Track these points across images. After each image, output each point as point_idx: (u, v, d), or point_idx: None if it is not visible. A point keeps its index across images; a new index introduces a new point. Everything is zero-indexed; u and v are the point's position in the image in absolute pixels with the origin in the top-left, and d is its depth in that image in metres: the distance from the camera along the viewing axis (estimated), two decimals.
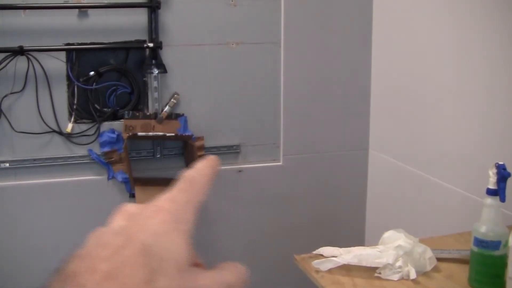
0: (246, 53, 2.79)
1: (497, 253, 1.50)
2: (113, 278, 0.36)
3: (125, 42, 2.65)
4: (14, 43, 2.50)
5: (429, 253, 1.66)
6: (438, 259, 1.69)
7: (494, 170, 1.50)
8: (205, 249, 2.90)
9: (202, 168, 0.48)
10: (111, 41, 2.63)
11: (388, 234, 1.72)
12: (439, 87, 2.39)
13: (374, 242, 1.76)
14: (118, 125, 2.69)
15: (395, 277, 1.61)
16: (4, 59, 2.50)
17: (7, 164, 2.61)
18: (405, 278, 1.61)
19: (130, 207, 0.44)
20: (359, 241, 2.99)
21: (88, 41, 2.60)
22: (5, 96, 2.55)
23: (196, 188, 0.45)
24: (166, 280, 0.38)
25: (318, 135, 2.94)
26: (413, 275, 1.60)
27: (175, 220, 0.41)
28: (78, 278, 0.37)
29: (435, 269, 1.66)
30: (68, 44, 2.58)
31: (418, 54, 2.52)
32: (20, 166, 2.63)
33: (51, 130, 2.62)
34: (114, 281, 0.36)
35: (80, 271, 0.37)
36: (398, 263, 1.62)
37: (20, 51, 2.50)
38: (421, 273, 1.63)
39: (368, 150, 2.99)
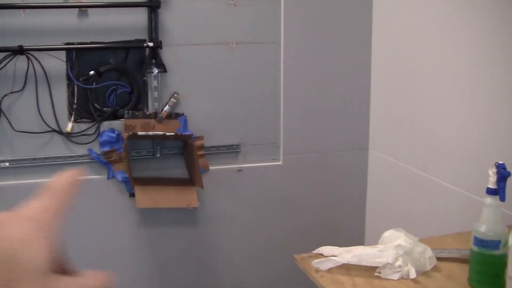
0: (246, 52, 2.79)
1: (497, 252, 1.50)
2: None
3: (125, 42, 2.65)
4: (14, 43, 2.50)
5: (429, 253, 1.66)
6: (438, 259, 1.69)
7: (494, 170, 1.50)
8: (203, 248, 2.90)
9: (61, 178, 0.48)
10: (111, 40, 2.63)
11: (388, 234, 1.72)
12: (439, 87, 2.39)
13: (374, 242, 1.76)
14: (118, 124, 2.69)
15: (395, 276, 1.61)
16: (4, 58, 2.50)
17: (7, 164, 2.61)
18: (405, 278, 1.61)
19: None
20: (359, 241, 2.99)
21: (88, 41, 2.60)
22: (5, 95, 2.55)
23: (58, 196, 0.45)
24: (29, 285, 0.38)
25: (317, 134, 2.94)
26: (413, 274, 1.60)
27: (38, 227, 0.41)
28: None
29: (435, 269, 1.66)
30: (68, 43, 2.58)
31: (418, 53, 2.52)
32: (20, 166, 2.63)
33: (51, 130, 2.62)
34: None
35: None
36: (398, 263, 1.62)
37: (20, 51, 2.50)
38: (421, 272, 1.63)
39: (368, 149, 2.99)
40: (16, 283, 0.37)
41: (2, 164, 2.61)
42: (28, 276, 0.38)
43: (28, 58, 2.53)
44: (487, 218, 1.51)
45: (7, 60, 2.51)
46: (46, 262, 0.40)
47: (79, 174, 0.49)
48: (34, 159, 2.64)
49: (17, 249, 0.39)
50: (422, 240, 1.71)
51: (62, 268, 0.45)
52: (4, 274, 0.37)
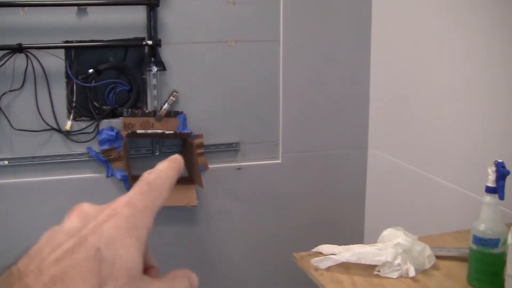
0: (245, 51, 2.79)
1: (496, 251, 1.50)
2: (60, 282, 0.35)
3: (124, 40, 2.65)
4: (13, 41, 2.50)
5: (428, 251, 1.66)
6: (437, 257, 1.69)
7: (493, 168, 1.50)
8: (203, 246, 2.90)
9: (164, 170, 0.45)
10: (110, 38, 2.62)
11: (387, 232, 1.72)
12: (438, 85, 2.39)
13: (373, 240, 1.76)
14: (117, 123, 2.69)
15: (394, 275, 1.61)
16: (3, 56, 2.50)
17: (6, 162, 2.61)
18: (404, 276, 1.61)
19: (87, 207, 0.42)
20: (358, 239, 2.99)
21: (87, 39, 2.60)
22: (4, 93, 2.54)
23: (156, 193, 0.43)
24: (116, 287, 0.37)
25: (317, 133, 2.94)
26: (412, 273, 1.60)
27: (131, 227, 0.39)
28: (25, 279, 0.36)
29: (434, 267, 1.66)
30: (67, 41, 2.58)
31: (418, 52, 2.52)
32: (19, 164, 2.63)
33: (50, 128, 2.62)
34: (61, 285, 0.35)
35: (27, 272, 0.36)
36: (397, 261, 1.62)
37: (19, 49, 2.50)
38: (420, 271, 1.63)
39: (367, 148, 2.99)
40: (104, 284, 0.36)
41: (1, 163, 2.61)
42: (117, 277, 0.37)
43: (27, 56, 2.53)
44: (486, 217, 1.51)
45: (6, 58, 2.51)
46: (136, 264, 0.39)
47: (180, 165, 0.47)
48: (33, 157, 2.64)
49: (106, 246, 0.37)
50: (421, 239, 1.71)
51: (150, 265, 0.44)
52: (90, 272, 0.36)
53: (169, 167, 0.46)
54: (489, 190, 1.50)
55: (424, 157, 2.51)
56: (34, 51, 2.53)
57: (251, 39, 2.79)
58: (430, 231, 1.99)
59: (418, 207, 2.56)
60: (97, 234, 0.38)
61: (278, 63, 2.83)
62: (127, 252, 0.38)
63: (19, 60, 2.53)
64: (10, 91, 2.55)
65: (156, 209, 0.42)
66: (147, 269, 0.44)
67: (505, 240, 1.46)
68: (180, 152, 2.82)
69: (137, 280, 0.38)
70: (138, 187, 0.43)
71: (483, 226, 1.51)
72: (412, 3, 2.55)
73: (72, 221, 0.41)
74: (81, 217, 0.41)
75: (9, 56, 2.51)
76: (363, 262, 1.65)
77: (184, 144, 2.79)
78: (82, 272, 0.36)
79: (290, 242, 2.90)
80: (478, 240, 1.51)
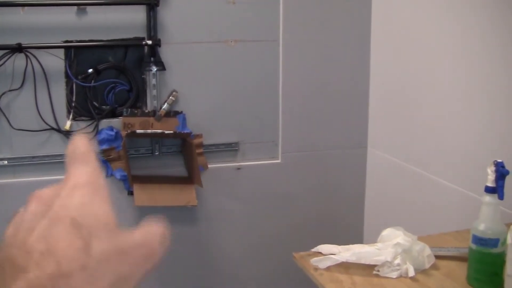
0: (245, 51, 2.79)
1: (495, 251, 1.50)
2: (51, 254, 0.38)
3: (123, 40, 2.64)
4: (12, 40, 2.50)
5: (427, 251, 1.66)
6: (437, 257, 1.69)
7: (493, 168, 1.50)
8: (203, 246, 2.90)
9: (78, 145, 0.48)
10: (110, 38, 2.62)
11: (386, 232, 1.72)
12: (438, 85, 2.40)
13: (373, 240, 1.76)
14: (116, 122, 2.69)
15: (394, 274, 1.61)
16: (3, 56, 2.50)
17: (6, 162, 2.61)
18: (403, 276, 1.61)
19: (43, 192, 0.44)
20: (358, 239, 2.99)
21: (87, 39, 2.60)
22: (3, 93, 2.54)
23: (91, 159, 0.46)
24: (101, 243, 0.39)
25: (316, 133, 2.94)
26: (411, 272, 1.61)
27: (95, 189, 0.42)
28: (16, 262, 0.38)
29: (434, 267, 1.66)
30: (67, 41, 2.58)
31: (417, 51, 2.52)
32: (18, 164, 2.63)
33: (50, 128, 2.62)
34: (53, 257, 0.37)
35: (16, 256, 0.38)
36: (397, 261, 1.62)
37: (18, 48, 2.50)
38: (420, 270, 1.64)
39: (367, 148, 2.99)
40: (90, 244, 0.39)
41: (1, 162, 2.61)
42: (99, 235, 0.39)
43: (26, 56, 2.53)
44: (486, 216, 1.51)
45: (5, 58, 2.50)
46: (111, 218, 0.41)
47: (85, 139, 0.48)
48: (33, 157, 2.64)
49: (79, 213, 0.40)
50: (420, 238, 1.71)
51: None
52: (74, 238, 0.38)
53: (78, 143, 0.48)
54: (489, 190, 1.50)
55: (423, 156, 2.52)
56: (33, 51, 2.53)
57: (250, 39, 2.79)
58: (430, 231, 1.99)
59: (417, 206, 2.57)
60: (66, 207, 0.40)
61: (277, 63, 2.83)
62: (99, 211, 0.41)
63: (19, 60, 2.53)
64: (10, 90, 2.55)
65: (98, 170, 0.45)
66: None
67: (505, 240, 1.46)
68: (180, 152, 2.82)
69: (118, 232, 0.41)
70: (71, 159, 0.46)
71: (483, 226, 1.51)
72: (412, 3, 2.55)
73: (31, 206, 0.43)
74: (41, 201, 0.43)
75: (8, 55, 2.51)
76: (363, 262, 1.65)
77: (183, 144, 2.79)
78: (66, 240, 0.38)
79: (290, 241, 2.90)
80: (478, 240, 1.52)
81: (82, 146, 0.47)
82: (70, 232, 0.39)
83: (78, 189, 0.42)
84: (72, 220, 0.39)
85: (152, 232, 0.44)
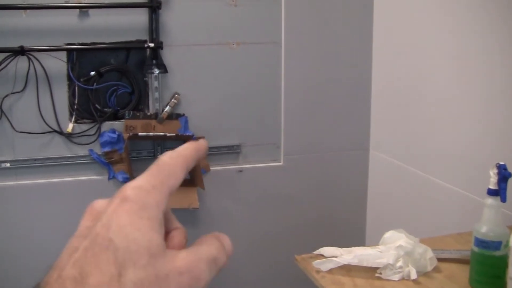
0: (247, 53, 2.79)
1: (497, 253, 1.50)
2: (81, 281, 0.36)
3: (125, 42, 2.65)
4: (14, 43, 2.50)
5: (429, 254, 1.66)
6: (439, 260, 1.69)
7: (495, 170, 1.50)
8: None
9: (180, 150, 0.45)
10: (112, 41, 2.63)
11: (388, 234, 1.72)
12: (439, 87, 2.39)
13: (375, 243, 1.76)
14: (119, 125, 2.69)
15: (396, 277, 1.61)
16: (5, 59, 2.51)
17: (8, 164, 2.62)
18: (405, 279, 1.61)
19: (97, 204, 0.42)
20: (360, 241, 2.99)
21: (89, 41, 2.60)
22: (6, 96, 2.55)
23: (165, 172, 0.43)
24: (137, 270, 0.37)
25: (318, 135, 2.94)
26: (413, 275, 1.60)
27: (139, 208, 0.39)
28: None
29: (436, 270, 1.66)
30: (69, 44, 2.59)
31: (419, 54, 2.52)
32: (21, 166, 2.63)
33: (52, 130, 2.63)
34: (83, 285, 0.35)
35: (50, 282, 0.37)
36: (399, 264, 1.62)
37: (21, 51, 2.50)
38: (422, 273, 1.63)
39: (369, 150, 2.99)
40: (124, 271, 0.36)
41: (3, 165, 2.61)
42: (136, 261, 0.37)
43: (29, 58, 2.53)
44: (488, 219, 1.51)
45: (8, 61, 2.51)
46: (154, 241, 0.38)
47: (199, 146, 0.46)
48: (35, 159, 2.64)
49: (117, 234, 0.37)
50: (422, 241, 1.71)
51: (169, 231, 0.44)
52: (107, 264, 0.36)
53: (187, 147, 0.46)
54: (491, 193, 1.50)
55: (425, 159, 2.51)
56: (36, 54, 2.54)
57: (252, 41, 2.79)
58: (432, 233, 1.99)
59: (419, 209, 2.56)
60: (107, 226, 0.38)
61: (279, 65, 2.83)
62: (140, 233, 0.38)
63: (21, 63, 2.53)
64: (12, 93, 2.56)
65: (167, 188, 0.42)
66: (171, 231, 0.44)
67: (507, 242, 1.46)
68: None
69: (159, 257, 0.38)
70: (148, 169, 0.43)
71: (485, 228, 1.51)
72: (414, 5, 2.55)
73: (84, 222, 0.41)
74: (93, 215, 0.41)
75: (11, 58, 2.51)
76: (365, 264, 1.65)
77: None
78: (98, 265, 0.36)
79: (292, 244, 2.90)
80: (480, 242, 1.51)
81: (178, 154, 0.45)
82: (105, 257, 0.36)
83: (124, 205, 0.39)
84: (110, 242, 0.37)
85: (200, 256, 0.41)
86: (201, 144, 0.47)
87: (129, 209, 0.39)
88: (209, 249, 0.43)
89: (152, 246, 0.38)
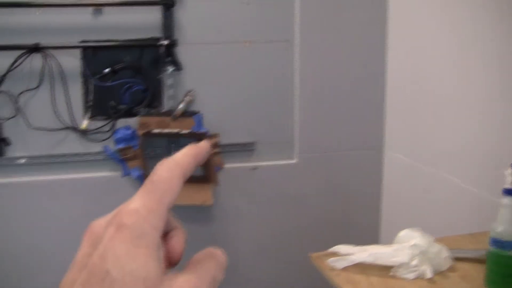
0: (260, 51, 2.79)
1: None
2: None
3: (140, 40, 2.65)
4: (29, 40, 2.51)
5: (444, 253, 1.65)
6: (454, 259, 1.67)
7: (511, 170, 1.49)
8: (217, 246, 2.90)
9: (175, 159, 0.43)
10: (126, 38, 2.63)
11: (403, 233, 1.71)
12: (455, 86, 2.38)
13: (389, 242, 1.75)
14: (133, 122, 2.69)
15: (411, 276, 1.60)
16: (20, 56, 2.52)
17: (23, 160, 2.63)
18: (420, 278, 1.60)
19: (96, 227, 0.41)
20: (374, 240, 2.98)
21: (103, 39, 2.61)
22: (21, 93, 2.56)
23: (161, 189, 0.41)
24: None
25: (333, 133, 2.93)
26: (428, 274, 1.59)
27: (136, 236, 0.38)
28: None
29: (451, 269, 1.65)
30: (83, 41, 2.59)
31: (434, 52, 2.50)
32: (35, 162, 2.64)
33: (67, 127, 2.64)
34: None
35: None
36: (414, 262, 1.61)
37: (36, 48, 2.52)
38: (437, 272, 1.62)
39: (383, 149, 2.97)
40: None
41: (19, 161, 2.63)
42: None
43: (44, 55, 2.54)
44: (504, 219, 1.49)
45: (23, 58, 2.52)
46: (151, 271, 0.37)
47: (196, 150, 0.45)
48: (50, 156, 2.65)
49: (113, 266, 0.36)
50: (438, 240, 1.70)
51: (168, 232, 0.43)
52: None
53: (185, 154, 0.45)
54: (508, 192, 1.48)
55: (441, 158, 2.50)
56: (50, 51, 2.55)
57: (266, 39, 2.79)
58: (447, 233, 1.98)
59: (434, 208, 2.55)
60: (103, 256, 0.37)
61: (293, 63, 2.83)
62: (137, 264, 0.37)
63: (36, 60, 2.55)
64: (27, 90, 2.57)
65: (165, 206, 0.40)
66: (170, 231, 0.43)
67: None
68: None
69: (156, 286, 0.37)
70: (143, 186, 0.41)
71: (501, 228, 1.49)
72: (429, 5, 2.53)
73: (83, 248, 0.40)
74: (91, 239, 0.40)
75: (26, 55, 2.52)
76: (380, 262, 1.64)
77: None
78: None
79: (305, 242, 2.89)
80: (496, 242, 1.50)
81: (175, 163, 0.43)
82: None
83: (121, 233, 0.38)
84: (106, 274, 0.36)
85: (200, 279, 0.40)
86: (201, 148, 0.46)
87: (125, 238, 0.38)
88: (208, 270, 0.42)
89: (149, 276, 0.37)
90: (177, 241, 0.43)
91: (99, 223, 0.41)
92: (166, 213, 0.40)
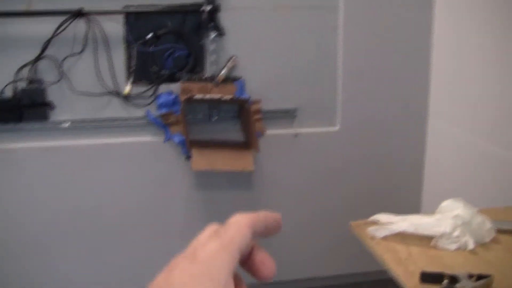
0: (304, 16, 2.75)
1: None
2: None
3: (182, 5, 2.64)
4: (73, 6, 2.52)
5: (487, 224, 1.62)
6: (498, 231, 1.65)
7: None
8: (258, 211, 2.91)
9: (246, 214, 0.45)
10: (169, 3, 2.62)
11: (446, 203, 1.68)
12: (503, 51, 2.31)
13: (431, 211, 1.73)
14: (175, 87, 2.70)
15: (452, 246, 1.58)
16: (65, 21, 2.53)
17: (67, 124, 2.67)
18: (462, 249, 1.58)
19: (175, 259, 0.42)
20: (415, 209, 2.96)
21: (146, 4, 2.61)
22: (65, 58, 2.59)
23: (236, 232, 0.43)
24: None
25: (376, 101, 2.89)
26: (471, 245, 1.57)
27: (205, 271, 0.39)
28: None
29: (494, 241, 1.62)
30: (127, 6, 2.59)
31: (484, 18, 2.43)
32: (79, 126, 2.68)
33: (110, 92, 2.66)
34: None
35: None
36: (456, 233, 1.59)
37: (79, 14, 2.53)
38: (479, 244, 1.60)
39: (428, 116, 2.92)
40: None
41: (63, 125, 2.67)
42: None
43: (87, 21, 2.55)
44: None
45: (67, 23, 2.54)
46: None
47: (260, 219, 0.46)
48: (93, 120, 2.68)
49: None
50: (481, 211, 1.67)
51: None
52: None
53: (257, 213, 0.46)
54: None
55: (485, 128, 2.44)
56: (94, 16, 2.56)
57: (310, 4, 2.74)
58: (491, 204, 1.95)
59: (478, 179, 2.50)
60: (169, 283, 0.39)
61: (337, 29, 2.78)
62: None
63: (80, 25, 2.56)
64: (71, 55, 2.59)
65: (237, 247, 0.42)
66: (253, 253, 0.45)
67: None
68: (237, 118, 2.82)
69: None
70: (224, 226, 0.43)
71: None
72: None
73: (162, 273, 0.41)
74: (170, 267, 0.41)
75: (70, 20, 2.54)
76: (421, 232, 1.62)
77: (241, 109, 2.79)
78: None
79: (346, 210, 2.88)
80: None
81: (242, 220, 0.44)
82: None
83: (192, 267, 0.40)
84: None
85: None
86: (275, 217, 0.48)
87: (194, 272, 0.39)
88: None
89: None
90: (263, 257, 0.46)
91: (181, 256, 0.42)
92: (238, 255, 0.41)
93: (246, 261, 0.43)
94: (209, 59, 2.70)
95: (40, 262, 2.78)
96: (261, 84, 2.76)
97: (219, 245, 0.41)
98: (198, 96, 2.65)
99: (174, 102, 2.69)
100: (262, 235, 0.46)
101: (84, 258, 2.81)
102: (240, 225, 0.43)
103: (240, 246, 0.42)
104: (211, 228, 0.44)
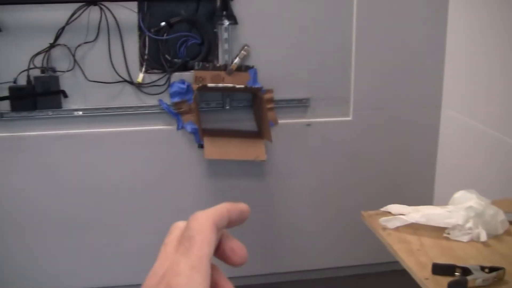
0: (317, 5, 2.73)
1: None
2: None
3: None
4: None
5: (501, 216, 1.61)
6: (511, 223, 1.64)
7: None
8: (270, 201, 2.92)
9: (206, 213, 0.44)
10: None
11: (459, 194, 1.68)
12: None
13: (443, 202, 1.72)
14: (188, 76, 2.70)
15: (465, 238, 1.57)
16: (78, 9, 2.54)
17: (80, 112, 2.68)
18: (475, 240, 1.57)
19: (167, 244, 0.43)
20: (427, 201, 2.94)
21: None
22: (79, 45, 2.59)
23: (198, 244, 0.42)
24: None
25: (389, 90, 2.87)
26: (483, 237, 1.56)
27: (201, 279, 0.40)
28: None
29: (507, 233, 1.61)
30: None
31: (497, 10, 2.41)
32: (92, 114, 2.69)
33: (123, 80, 2.66)
34: None
35: None
36: (468, 225, 1.58)
37: (93, 1, 2.53)
38: (492, 236, 1.59)
39: (441, 107, 2.90)
40: None
41: (76, 113, 2.67)
42: None
43: (101, 9, 2.55)
44: None
45: (81, 11, 2.54)
46: None
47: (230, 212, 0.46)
48: (106, 108, 2.69)
49: None
50: (494, 203, 1.66)
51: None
52: None
53: (216, 208, 0.45)
54: None
55: (499, 119, 2.42)
56: (108, 4, 2.56)
57: None
58: (504, 195, 1.93)
59: (492, 170, 2.49)
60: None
61: (351, 19, 2.77)
62: None
63: (93, 13, 2.56)
64: (85, 43, 2.59)
65: (204, 259, 0.41)
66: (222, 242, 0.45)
67: None
68: (250, 107, 2.81)
69: None
70: (181, 244, 0.42)
71: None
72: None
73: (149, 280, 0.42)
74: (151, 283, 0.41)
75: (84, 8, 2.54)
76: (433, 224, 1.62)
77: (254, 98, 2.78)
78: None
79: (357, 200, 2.88)
80: None
81: (194, 226, 0.43)
82: None
83: (185, 273, 0.40)
84: None
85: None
86: (236, 205, 0.48)
87: (191, 277, 0.39)
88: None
89: None
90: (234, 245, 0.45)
91: (168, 243, 0.43)
92: (208, 266, 0.41)
93: (216, 250, 0.43)
94: (222, 47, 2.69)
95: (52, 249, 2.80)
96: (274, 73, 2.75)
97: (189, 267, 0.40)
98: (211, 85, 2.65)
99: (187, 90, 2.69)
100: (227, 228, 0.45)
101: (94, 247, 2.83)
102: (203, 230, 0.42)
103: (209, 256, 0.41)
104: (174, 234, 0.43)
